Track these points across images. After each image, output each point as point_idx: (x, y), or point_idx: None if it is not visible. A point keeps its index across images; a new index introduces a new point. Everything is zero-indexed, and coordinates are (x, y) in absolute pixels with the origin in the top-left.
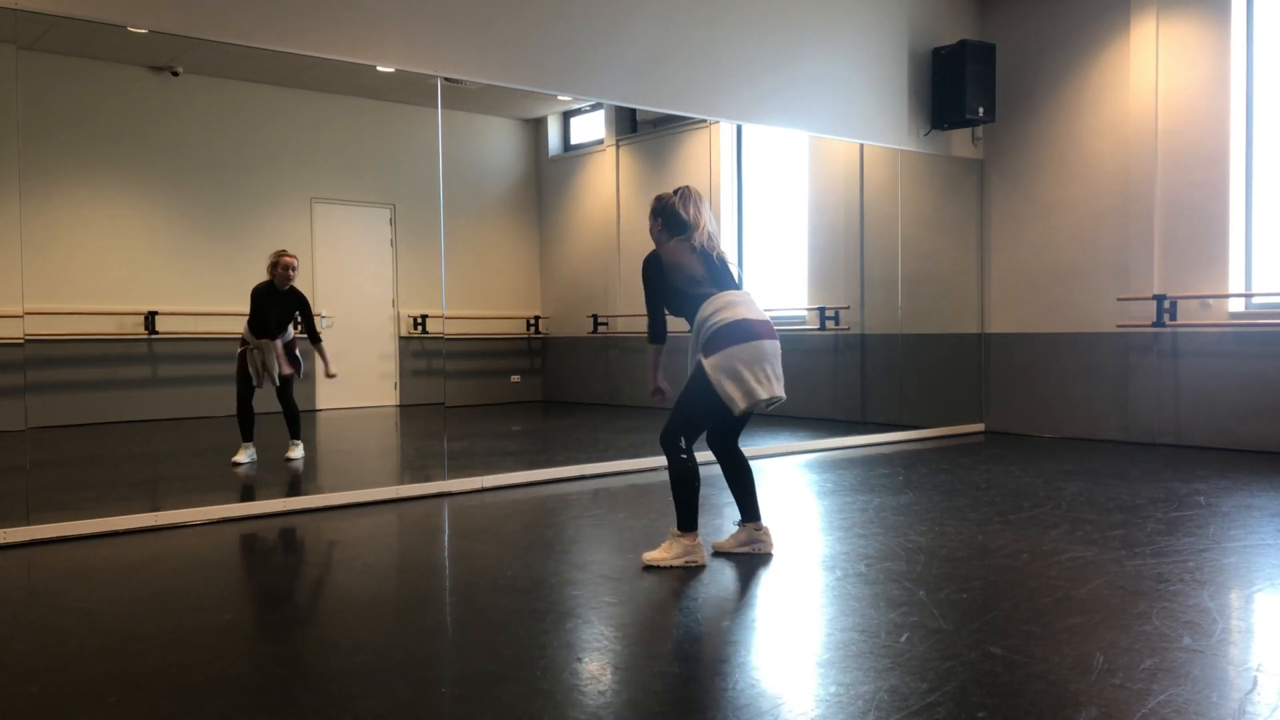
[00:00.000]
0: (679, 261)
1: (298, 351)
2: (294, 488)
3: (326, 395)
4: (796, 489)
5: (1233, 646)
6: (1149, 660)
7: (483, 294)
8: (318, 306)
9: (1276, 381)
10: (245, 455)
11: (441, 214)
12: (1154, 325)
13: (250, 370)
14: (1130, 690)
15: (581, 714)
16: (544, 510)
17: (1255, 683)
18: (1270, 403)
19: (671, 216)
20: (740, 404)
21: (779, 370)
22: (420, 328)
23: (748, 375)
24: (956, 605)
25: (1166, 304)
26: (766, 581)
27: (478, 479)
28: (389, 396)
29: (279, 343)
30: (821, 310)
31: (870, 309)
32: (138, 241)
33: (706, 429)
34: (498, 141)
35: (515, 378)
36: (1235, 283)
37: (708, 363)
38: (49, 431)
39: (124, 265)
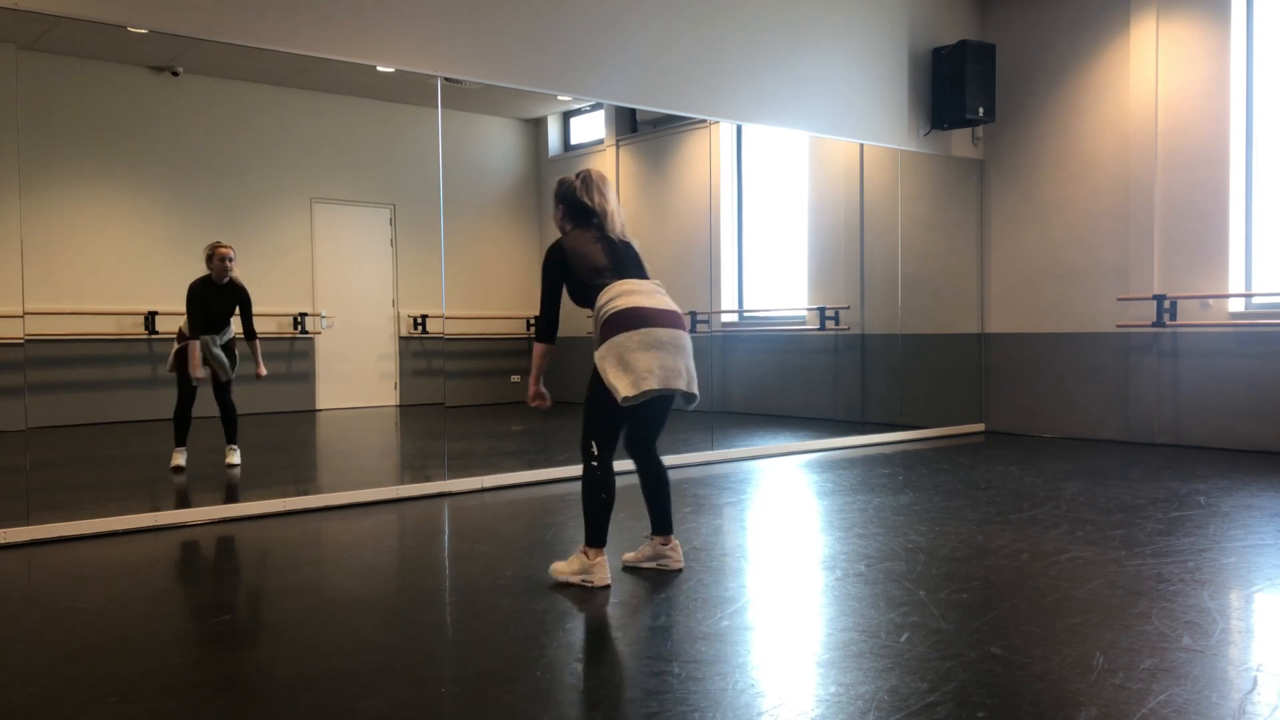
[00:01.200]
0: (582, 251)
1: (236, 351)
2: (231, 495)
3: (326, 395)
4: (796, 489)
5: (1233, 646)
6: (1149, 660)
7: (483, 294)
8: (318, 306)
9: (1276, 381)
10: (182, 459)
11: (441, 214)
12: (1154, 325)
13: (200, 368)
14: (1130, 690)
15: (581, 714)
16: (544, 510)
17: (1255, 683)
18: (1270, 403)
19: (574, 204)
20: (623, 392)
21: (682, 364)
22: (420, 328)
23: (636, 364)
24: (956, 605)
25: (1166, 304)
26: (766, 581)
27: (478, 479)
28: (389, 396)
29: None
30: (821, 310)
31: (870, 309)
32: (138, 241)
33: (618, 431)
34: (498, 141)
35: (515, 378)
36: (1235, 283)
37: (597, 355)
38: (49, 431)
39: (124, 265)
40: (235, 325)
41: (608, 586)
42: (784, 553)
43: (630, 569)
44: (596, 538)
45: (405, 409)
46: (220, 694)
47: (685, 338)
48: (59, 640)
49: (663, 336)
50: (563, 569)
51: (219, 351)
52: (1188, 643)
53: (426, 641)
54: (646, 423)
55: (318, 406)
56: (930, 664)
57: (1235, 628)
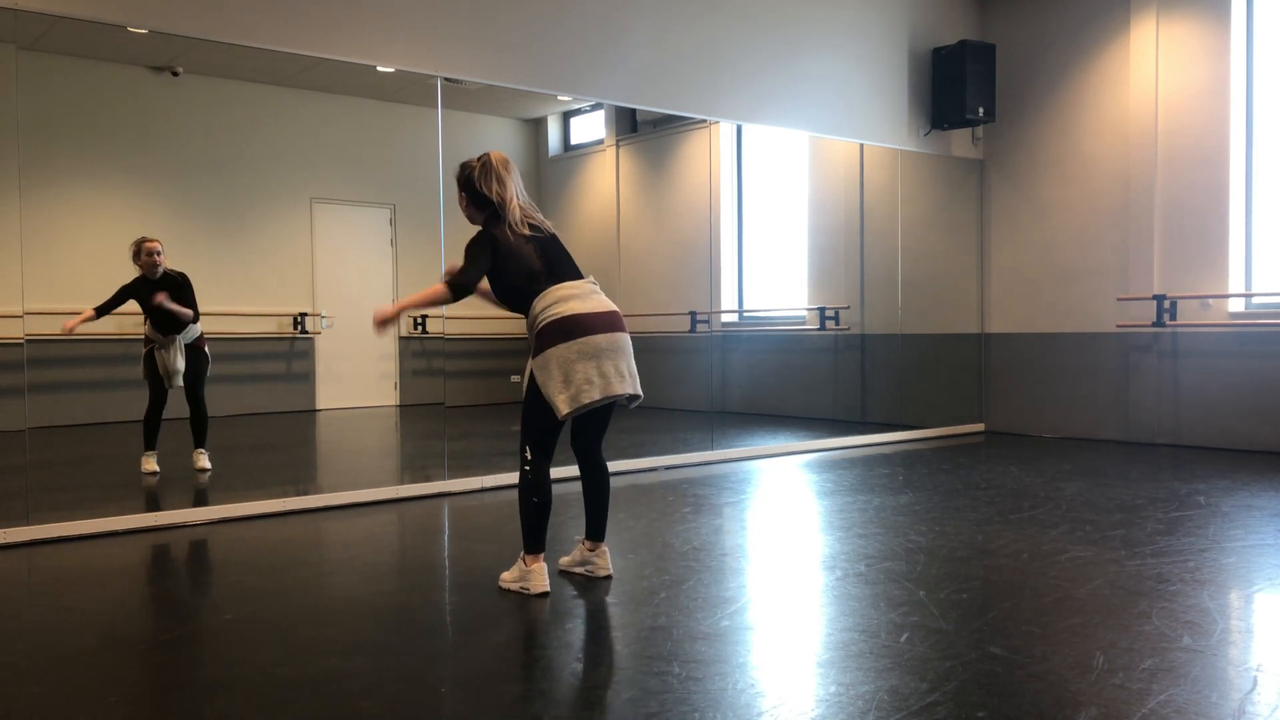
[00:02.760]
0: (517, 251)
1: (207, 349)
2: (200, 499)
3: (326, 395)
4: (796, 489)
5: (1233, 646)
6: (1149, 660)
7: None
8: (318, 306)
9: (1276, 381)
10: (155, 463)
11: (441, 214)
12: (1154, 325)
13: (160, 372)
14: (1130, 690)
15: (582, 714)
16: None
17: (1255, 683)
18: (1270, 403)
19: (475, 194)
20: (564, 408)
21: (624, 366)
22: (420, 328)
23: (575, 376)
24: (956, 605)
25: (1166, 304)
26: (767, 581)
27: (478, 479)
28: (389, 396)
29: (180, 339)
30: (821, 310)
31: (870, 309)
32: None
33: (554, 436)
34: (498, 141)
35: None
36: (1235, 283)
37: (533, 364)
38: (49, 431)
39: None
40: (213, 324)
41: (546, 594)
42: (784, 553)
43: (564, 573)
44: (532, 544)
45: (405, 409)
46: (220, 694)
47: (624, 339)
48: (59, 640)
49: (601, 343)
50: (506, 578)
51: (177, 356)
52: (1188, 643)
53: (426, 641)
54: (590, 425)
55: (318, 406)
56: (930, 664)
57: (1235, 628)
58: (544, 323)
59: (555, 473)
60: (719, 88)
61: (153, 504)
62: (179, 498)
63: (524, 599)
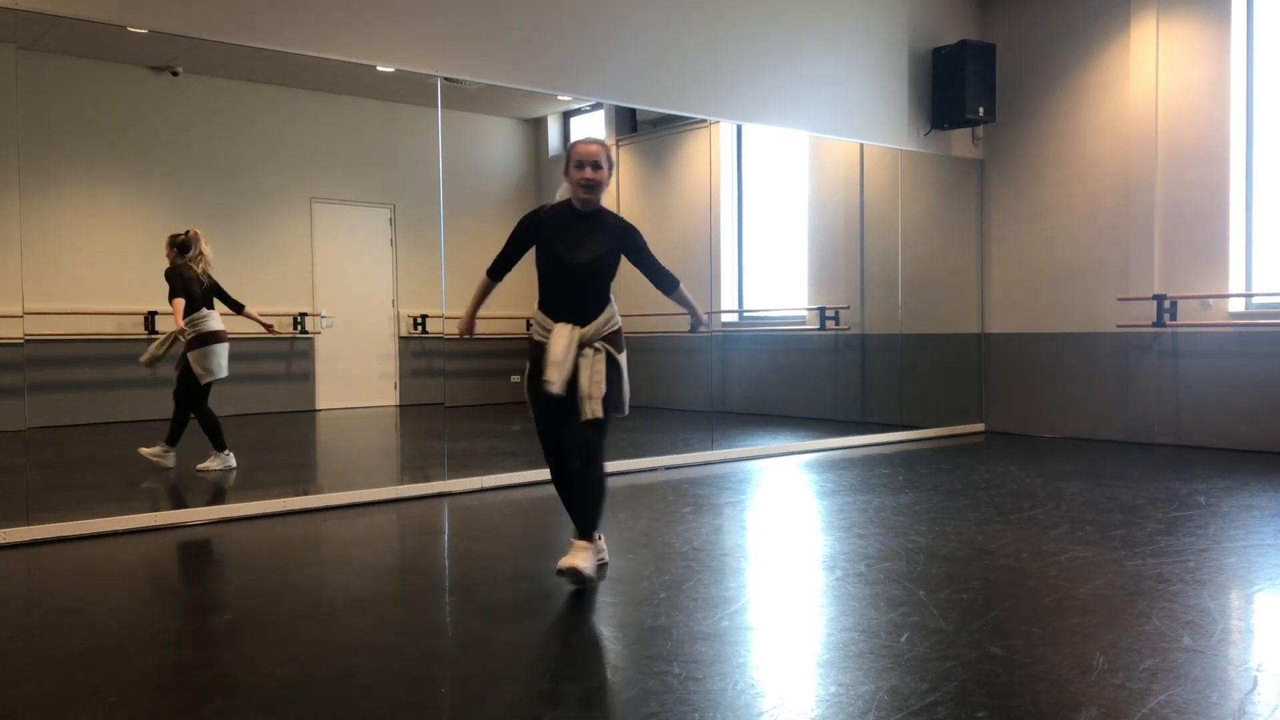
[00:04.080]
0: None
1: (191, 357)
2: (229, 496)
3: (326, 395)
4: (796, 489)
5: (1233, 646)
6: (1149, 660)
7: None
8: (318, 306)
9: (1276, 381)
10: (221, 462)
11: (441, 214)
12: (1154, 325)
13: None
14: (1130, 690)
15: (581, 714)
16: (544, 510)
17: (1255, 683)
18: (1270, 403)
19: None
20: (625, 410)
21: None
22: (420, 328)
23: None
24: (956, 605)
25: (1166, 304)
26: (766, 581)
27: (478, 479)
28: (389, 396)
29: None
30: (821, 310)
31: (870, 309)
32: (138, 241)
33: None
34: (498, 141)
35: (515, 378)
36: (1235, 283)
37: (620, 358)
38: (49, 431)
39: (124, 265)
40: (216, 323)
41: (560, 571)
42: (784, 553)
43: (562, 573)
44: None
45: (405, 409)
46: (220, 694)
47: None
48: (59, 640)
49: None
50: (582, 563)
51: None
52: (1188, 643)
53: (426, 641)
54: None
55: (318, 406)
56: (930, 664)
57: (1235, 628)
58: (619, 325)
59: (546, 474)
60: (719, 88)
61: (153, 504)
62: (179, 498)
63: (524, 599)
